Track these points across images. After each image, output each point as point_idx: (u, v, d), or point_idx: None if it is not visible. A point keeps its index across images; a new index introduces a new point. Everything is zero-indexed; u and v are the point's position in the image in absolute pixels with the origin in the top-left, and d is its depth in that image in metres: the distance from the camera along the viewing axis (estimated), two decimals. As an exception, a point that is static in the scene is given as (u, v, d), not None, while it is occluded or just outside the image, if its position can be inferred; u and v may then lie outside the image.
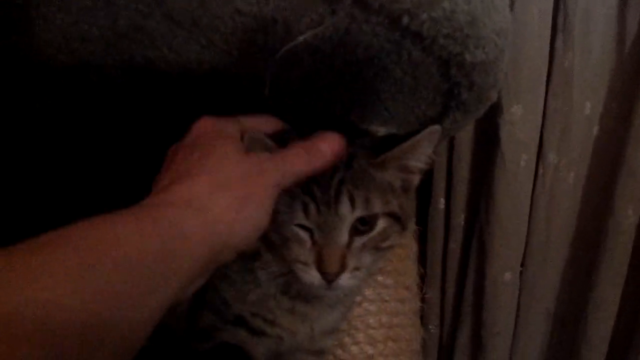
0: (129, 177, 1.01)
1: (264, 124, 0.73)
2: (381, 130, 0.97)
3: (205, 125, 0.65)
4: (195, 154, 0.60)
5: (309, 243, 0.67)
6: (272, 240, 0.68)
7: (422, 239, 1.35)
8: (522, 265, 1.29)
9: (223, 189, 0.57)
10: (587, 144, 1.27)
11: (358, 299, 0.92)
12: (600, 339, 1.27)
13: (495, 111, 1.21)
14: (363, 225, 0.68)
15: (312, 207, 0.66)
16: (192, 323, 0.77)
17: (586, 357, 1.28)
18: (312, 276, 0.67)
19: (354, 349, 0.94)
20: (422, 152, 0.76)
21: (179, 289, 0.51)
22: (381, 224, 0.69)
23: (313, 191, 0.66)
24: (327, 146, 0.68)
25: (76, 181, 1.00)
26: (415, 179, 0.77)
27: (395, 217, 0.71)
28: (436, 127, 0.77)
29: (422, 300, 1.15)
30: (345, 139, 0.71)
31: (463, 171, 1.30)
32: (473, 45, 0.76)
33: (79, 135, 0.95)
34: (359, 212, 0.67)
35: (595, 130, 1.27)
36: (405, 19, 0.69)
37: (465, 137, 1.29)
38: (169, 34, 0.70)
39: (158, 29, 0.70)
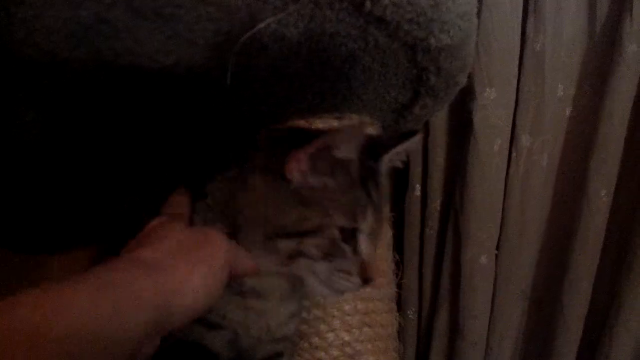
0: (105, 170, 1.01)
1: None
2: (354, 119, 0.97)
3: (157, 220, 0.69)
4: (149, 234, 0.65)
5: (351, 253, 0.71)
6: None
7: (398, 226, 1.36)
8: (497, 248, 1.30)
9: (177, 253, 0.60)
10: (560, 126, 1.28)
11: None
12: (575, 319, 1.28)
13: (468, 96, 1.21)
14: None
15: (370, 213, 0.71)
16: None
17: (562, 337, 1.29)
18: (352, 283, 0.71)
19: (330, 335, 0.94)
20: (403, 154, 0.80)
21: (130, 354, 0.51)
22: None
23: (372, 196, 0.71)
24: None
25: (54, 174, 1.00)
26: None
27: None
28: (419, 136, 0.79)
29: (399, 286, 1.16)
30: None
31: (438, 157, 1.31)
32: (437, 29, 0.77)
33: (52, 130, 0.94)
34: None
35: (568, 111, 1.27)
36: (368, 4, 0.69)
37: (440, 123, 1.30)
38: (133, 24, 0.70)
39: (122, 20, 0.69)
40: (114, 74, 0.79)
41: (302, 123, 0.91)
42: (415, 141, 0.79)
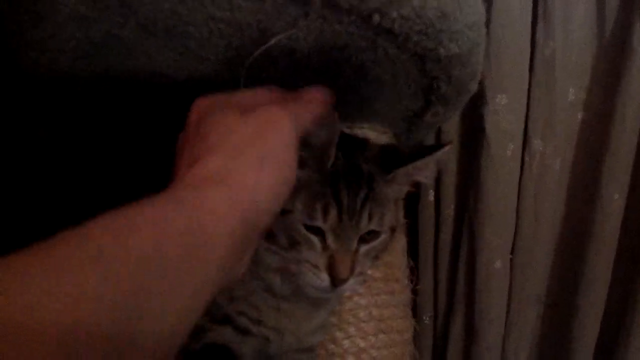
0: (121, 182, 1.02)
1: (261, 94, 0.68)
2: (365, 127, 0.98)
3: (201, 105, 0.63)
4: (199, 135, 0.58)
5: (319, 247, 0.68)
6: (278, 239, 0.68)
7: (412, 232, 1.36)
8: (512, 252, 1.30)
9: (236, 157, 0.55)
10: (572, 130, 1.28)
11: (347, 293, 0.93)
12: (591, 322, 1.28)
13: (479, 102, 1.22)
14: (369, 235, 0.70)
15: (333, 213, 0.66)
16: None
17: (578, 340, 1.29)
18: (320, 279, 0.68)
19: (346, 342, 0.94)
20: (431, 169, 0.75)
21: (217, 272, 0.48)
22: (383, 235, 0.71)
23: (341, 198, 0.67)
24: (320, 94, 0.68)
25: (68, 184, 1.01)
26: (407, 189, 0.78)
27: (393, 229, 0.73)
28: (449, 147, 0.76)
29: (414, 292, 1.17)
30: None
31: (451, 162, 1.32)
32: (446, 39, 0.77)
33: (67, 144, 0.96)
34: (372, 227, 0.69)
35: (579, 115, 1.28)
36: (376, 17, 0.70)
37: (452, 128, 1.31)
38: (144, 42, 0.71)
39: (133, 38, 0.71)
40: (126, 91, 0.80)
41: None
42: (442, 155, 0.74)
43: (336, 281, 0.67)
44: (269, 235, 0.67)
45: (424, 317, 1.39)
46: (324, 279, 0.67)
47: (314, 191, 0.67)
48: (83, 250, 0.39)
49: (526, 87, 1.24)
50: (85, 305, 0.36)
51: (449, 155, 1.28)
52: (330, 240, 0.68)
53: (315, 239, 0.67)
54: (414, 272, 1.10)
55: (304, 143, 0.64)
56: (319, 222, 0.66)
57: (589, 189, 1.26)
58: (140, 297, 0.40)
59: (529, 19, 1.21)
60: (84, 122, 0.91)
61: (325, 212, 0.66)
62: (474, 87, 0.96)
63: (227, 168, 0.53)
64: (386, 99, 0.92)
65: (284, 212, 0.65)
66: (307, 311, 0.80)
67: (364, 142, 0.79)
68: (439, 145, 0.75)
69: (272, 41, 0.69)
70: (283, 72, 0.79)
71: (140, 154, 0.97)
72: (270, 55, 0.74)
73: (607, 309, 1.28)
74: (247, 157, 0.54)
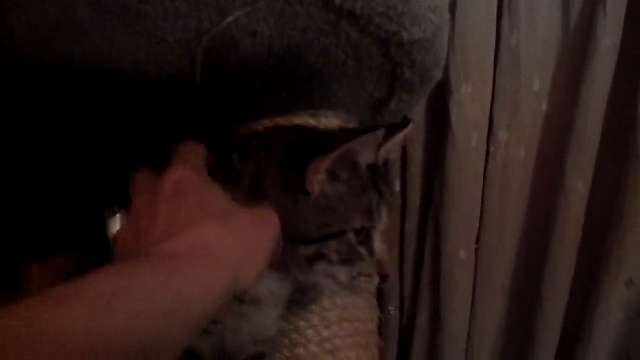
0: (80, 172, 1.01)
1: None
2: (330, 116, 0.97)
3: (180, 171, 0.64)
4: (185, 196, 0.60)
5: (367, 255, 0.73)
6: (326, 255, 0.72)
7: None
8: (477, 242, 1.30)
9: (235, 238, 0.58)
10: (537, 120, 1.29)
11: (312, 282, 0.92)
12: (555, 312, 1.29)
13: (445, 92, 1.22)
14: None
15: (385, 210, 0.75)
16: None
17: (543, 330, 1.30)
18: (373, 285, 0.75)
19: (309, 332, 0.93)
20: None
21: (194, 332, 0.52)
22: None
23: (384, 194, 0.74)
24: None
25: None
26: None
27: None
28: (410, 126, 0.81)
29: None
30: None
31: (417, 153, 1.31)
32: (409, 23, 0.77)
33: (31, 133, 0.94)
34: None
35: (544, 106, 1.28)
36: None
37: (418, 119, 1.30)
38: (100, 23, 0.70)
39: (89, 20, 0.69)
40: (85, 74, 0.78)
41: (310, 122, 0.91)
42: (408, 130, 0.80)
43: (386, 280, 0.74)
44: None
45: (390, 308, 1.39)
46: (376, 281, 0.74)
47: (366, 198, 0.72)
48: (83, 312, 0.42)
49: (491, 77, 1.23)
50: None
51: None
52: (377, 241, 0.74)
53: (364, 251, 0.72)
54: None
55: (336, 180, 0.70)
56: (376, 221, 0.72)
57: (553, 179, 1.26)
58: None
59: (495, 10, 1.21)
60: (54, 109, 0.88)
61: (379, 211, 0.73)
62: (438, 74, 0.96)
63: (225, 246, 0.57)
64: (350, 85, 0.91)
65: (336, 236, 0.70)
66: (267, 313, 0.81)
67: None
68: (404, 123, 0.81)
69: (231, 18, 0.68)
70: (244, 56, 0.77)
71: (108, 137, 0.96)
72: (230, 37, 0.73)
73: (572, 298, 1.29)
74: (244, 243, 0.59)
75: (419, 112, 1.29)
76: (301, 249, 0.71)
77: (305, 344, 0.93)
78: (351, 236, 0.71)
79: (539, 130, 1.29)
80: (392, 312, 1.39)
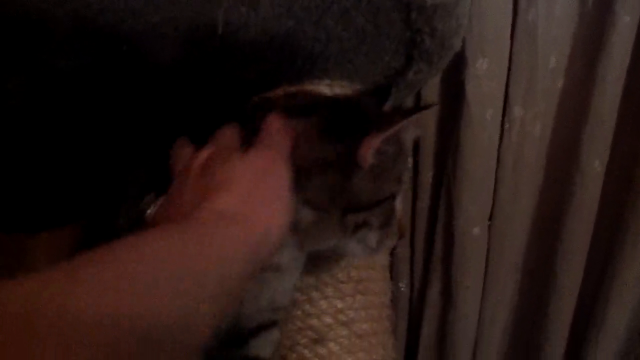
0: (86, 142, 1.00)
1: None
2: (345, 86, 0.97)
3: (211, 149, 0.67)
4: (211, 169, 0.63)
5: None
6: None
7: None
8: (490, 219, 1.31)
9: (252, 195, 0.60)
10: (552, 97, 1.28)
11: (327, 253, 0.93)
12: (569, 289, 1.29)
13: (460, 65, 1.21)
14: None
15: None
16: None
17: (556, 307, 1.31)
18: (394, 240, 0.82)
19: (323, 303, 0.95)
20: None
21: (235, 296, 0.53)
22: None
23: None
24: (277, 123, 0.72)
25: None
26: None
27: None
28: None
29: (392, 255, 1.18)
30: None
31: (430, 127, 1.31)
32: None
33: (34, 99, 0.93)
34: None
35: (560, 82, 1.27)
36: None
37: (432, 92, 1.29)
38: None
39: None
40: (98, 34, 0.78)
41: (324, 91, 0.92)
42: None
43: (403, 236, 0.83)
44: None
45: (400, 284, 1.40)
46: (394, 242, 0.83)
47: (400, 164, 0.78)
48: (117, 274, 0.42)
49: (507, 52, 1.22)
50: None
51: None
52: (397, 204, 0.80)
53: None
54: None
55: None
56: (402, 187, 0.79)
57: (569, 156, 1.26)
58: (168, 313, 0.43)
59: None
60: (55, 72, 0.88)
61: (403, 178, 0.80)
62: (457, 43, 0.95)
63: (242, 209, 0.58)
64: (368, 53, 0.90)
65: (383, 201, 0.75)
66: (287, 280, 0.84)
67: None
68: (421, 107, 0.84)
69: None
70: (263, 18, 0.77)
71: (110, 108, 0.95)
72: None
73: (586, 275, 1.30)
74: (259, 199, 0.60)
75: (432, 84, 1.28)
76: (351, 218, 0.74)
77: (319, 314, 0.95)
78: (391, 202, 0.77)
79: (555, 107, 1.28)
80: (402, 289, 1.39)
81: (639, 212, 1.18)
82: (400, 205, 0.81)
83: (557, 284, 1.29)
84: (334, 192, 0.72)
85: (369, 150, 0.70)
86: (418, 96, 1.28)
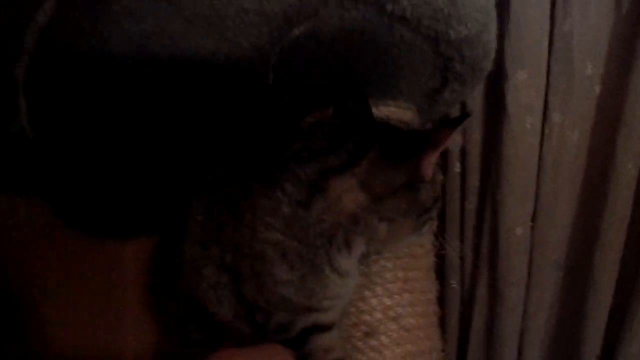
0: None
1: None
2: (391, 104, 1.07)
3: None
4: None
5: None
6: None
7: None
8: (532, 220, 1.37)
9: None
10: (589, 103, 1.34)
11: (375, 257, 1.02)
12: (605, 283, 1.35)
13: (500, 78, 1.29)
14: None
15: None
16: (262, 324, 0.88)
17: (593, 301, 1.36)
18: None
19: (373, 301, 1.04)
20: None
21: None
22: None
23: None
24: None
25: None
26: None
27: None
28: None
29: (439, 257, 1.25)
30: None
31: (475, 135, 1.39)
32: (455, 22, 0.86)
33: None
34: None
35: (597, 89, 1.33)
36: (389, 6, 0.79)
37: (476, 103, 1.38)
38: (188, 31, 0.81)
39: (178, 30, 0.81)
40: (169, 74, 0.90)
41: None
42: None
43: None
44: None
45: (452, 282, 1.48)
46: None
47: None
48: None
49: (545, 62, 1.29)
50: None
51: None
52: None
53: None
54: (438, 238, 1.18)
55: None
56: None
57: (604, 160, 1.32)
58: None
59: None
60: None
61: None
62: (487, 65, 1.04)
63: None
64: (407, 77, 1.00)
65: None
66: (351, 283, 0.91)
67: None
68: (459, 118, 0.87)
69: (297, 31, 0.79)
70: (310, 58, 0.88)
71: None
72: (297, 41, 0.83)
73: (621, 272, 1.35)
74: None
75: (477, 97, 1.37)
76: (423, 218, 0.82)
77: (370, 311, 1.04)
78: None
79: (592, 113, 1.34)
80: (454, 286, 1.48)
81: None
82: None
83: (594, 279, 1.35)
84: (406, 206, 0.78)
85: (430, 165, 0.76)
86: (463, 107, 1.37)
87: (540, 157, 1.33)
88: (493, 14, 0.94)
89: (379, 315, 1.04)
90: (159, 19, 0.79)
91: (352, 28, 0.84)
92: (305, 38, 0.83)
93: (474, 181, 1.42)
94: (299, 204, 0.77)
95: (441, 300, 1.39)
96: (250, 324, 0.85)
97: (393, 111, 1.05)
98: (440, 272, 1.47)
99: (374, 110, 1.01)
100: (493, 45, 1.00)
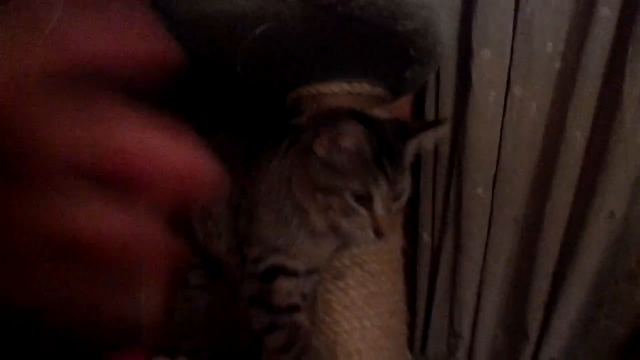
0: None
1: None
2: (363, 82, 1.23)
3: None
4: None
5: (366, 213, 0.91)
6: (331, 206, 0.92)
7: (416, 166, 1.63)
8: (493, 182, 1.54)
9: None
10: (549, 78, 1.48)
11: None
12: (554, 237, 1.52)
13: (468, 56, 1.45)
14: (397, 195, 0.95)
15: (383, 183, 0.90)
16: (242, 255, 1.06)
17: (543, 252, 1.54)
18: (368, 236, 0.92)
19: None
20: (432, 139, 1.01)
21: None
22: (405, 194, 0.98)
23: (386, 171, 0.91)
24: None
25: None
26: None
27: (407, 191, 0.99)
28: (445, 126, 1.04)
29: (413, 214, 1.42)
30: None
31: (446, 107, 1.56)
32: (401, 18, 1.01)
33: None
34: (400, 187, 0.94)
35: (557, 65, 1.47)
36: (339, 7, 0.96)
37: (449, 79, 1.55)
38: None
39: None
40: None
41: (345, 87, 1.18)
42: (442, 131, 1.02)
43: (380, 236, 0.91)
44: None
45: (424, 234, 1.67)
46: (370, 236, 0.92)
47: (365, 170, 0.90)
48: None
49: (509, 42, 1.44)
50: None
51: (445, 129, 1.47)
52: (377, 205, 0.90)
53: (362, 209, 0.90)
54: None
55: (338, 148, 0.90)
56: (373, 190, 0.89)
57: (557, 129, 1.47)
58: None
59: None
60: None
61: (377, 183, 0.90)
62: (442, 51, 1.18)
63: None
64: (371, 62, 1.15)
65: (337, 191, 0.90)
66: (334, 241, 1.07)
67: (377, 119, 1.01)
68: (437, 121, 1.05)
69: (262, 27, 0.96)
70: (274, 50, 1.05)
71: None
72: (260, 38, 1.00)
73: (567, 226, 1.52)
74: None
75: (449, 72, 1.54)
76: (317, 196, 0.93)
77: (338, 257, 1.18)
78: (348, 196, 0.90)
79: (551, 87, 1.49)
80: (425, 239, 1.66)
81: (610, 176, 1.40)
82: (380, 209, 0.91)
83: (544, 234, 1.52)
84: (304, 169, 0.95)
85: (318, 142, 0.91)
86: (438, 81, 1.54)
87: (502, 127, 1.49)
88: (438, 9, 1.09)
89: (346, 262, 1.19)
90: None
91: (309, 27, 1.00)
92: (273, 33, 1.00)
93: (444, 147, 1.58)
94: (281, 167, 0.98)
95: (414, 250, 1.59)
96: (238, 257, 1.06)
97: (365, 87, 1.20)
98: (415, 226, 1.67)
99: (349, 87, 1.19)
100: (441, 35, 1.15)
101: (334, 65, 1.14)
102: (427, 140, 1.00)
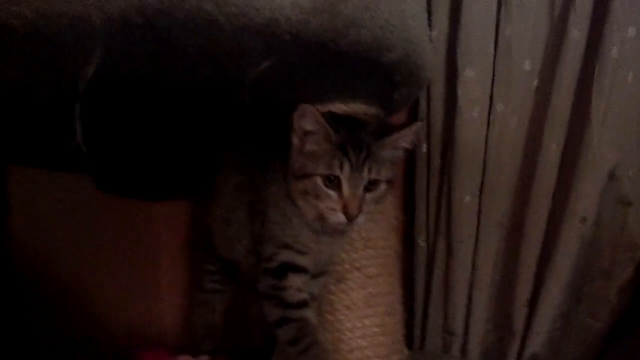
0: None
1: None
2: (358, 102, 1.34)
3: None
4: None
5: (336, 196, 1.02)
6: (309, 198, 1.05)
7: (411, 176, 1.78)
8: (480, 191, 1.65)
9: None
10: (528, 94, 1.59)
11: (358, 226, 1.22)
12: (535, 239, 1.63)
13: (453, 75, 1.57)
14: (372, 185, 1.05)
15: (347, 165, 1.01)
16: (258, 256, 1.17)
17: (525, 253, 1.65)
18: (339, 218, 1.02)
19: (343, 255, 1.31)
20: (408, 137, 1.10)
21: None
22: (382, 186, 1.08)
23: (350, 157, 1.02)
24: None
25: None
26: (401, 154, 1.12)
27: (389, 182, 1.09)
28: (420, 124, 1.13)
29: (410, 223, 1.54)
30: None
31: (438, 122, 1.67)
32: (385, 51, 1.13)
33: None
34: (372, 177, 1.04)
35: (535, 82, 1.59)
36: (331, 45, 1.08)
37: (438, 96, 1.66)
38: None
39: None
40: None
41: (342, 107, 1.26)
42: (416, 129, 1.10)
43: (349, 217, 1.01)
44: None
45: (419, 240, 1.78)
46: (341, 217, 1.02)
47: (331, 156, 1.02)
48: None
49: (491, 62, 1.56)
50: None
51: (422, 129, 1.64)
52: (345, 188, 1.01)
53: (332, 192, 1.02)
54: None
55: (304, 132, 1.03)
56: (338, 173, 1.00)
57: (535, 141, 1.58)
58: None
59: (495, 6, 1.53)
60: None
61: (341, 166, 1.01)
62: (425, 75, 1.28)
63: None
64: (363, 85, 1.26)
65: (309, 176, 1.02)
66: (335, 240, 1.19)
67: (364, 121, 1.17)
68: (413, 123, 1.12)
69: (264, 65, 1.08)
70: (279, 80, 1.15)
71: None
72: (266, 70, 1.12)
73: (547, 229, 1.64)
74: None
75: (438, 90, 1.66)
76: (298, 183, 1.06)
77: (340, 262, 1.32)
78: (318, 179, 1.03)
79: (530, 103, 1.60)
80: (421, 244, 1.78)
81: (581, 184, 1.53)
82: (347, 189, 1.01)
83: (526, 235, 1.64)
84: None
85: (292, 132, 1.05)
86: (428, 98, 1.67)
87: (486, 140, 1.60)
88: (416, 44, 1.19)
89: (346, 266, 1.31)
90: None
91: (307, 60, 1.11)
92: (272, 67, 1.11)
93: (436, 160, 1.70)
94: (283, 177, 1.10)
95: (411, 255, 1.71)
96: (255, 257, 1.18)
97: (360, 107, 1.30)
98: (412, 233, 1.79)
99: (346, 107, 1.28)
100: (424, 64, 1.25)
101: (331, 89, 1.23)
102: (406, 137, 1.10)
